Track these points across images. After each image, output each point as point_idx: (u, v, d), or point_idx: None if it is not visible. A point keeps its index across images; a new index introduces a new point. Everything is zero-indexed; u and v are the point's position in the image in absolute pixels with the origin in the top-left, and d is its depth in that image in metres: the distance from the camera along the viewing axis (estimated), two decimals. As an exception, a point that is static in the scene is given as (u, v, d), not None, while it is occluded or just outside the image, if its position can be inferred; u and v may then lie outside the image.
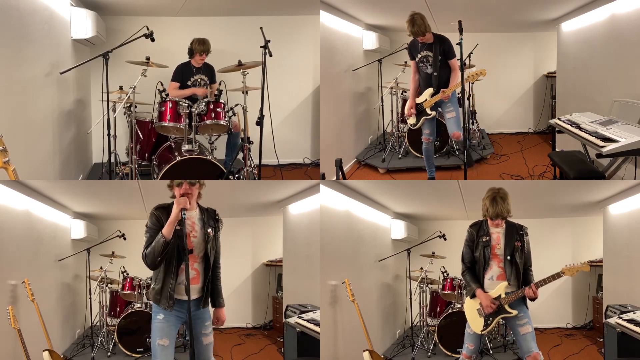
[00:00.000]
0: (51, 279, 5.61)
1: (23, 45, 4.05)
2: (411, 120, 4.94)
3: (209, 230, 3.24)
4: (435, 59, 4.64)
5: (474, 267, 3.63)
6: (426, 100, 4.77)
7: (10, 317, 4.16)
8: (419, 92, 4.85)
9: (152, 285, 3.20)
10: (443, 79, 4.66)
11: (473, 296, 3.63)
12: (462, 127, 4.66)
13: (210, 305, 3.33)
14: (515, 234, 3.57)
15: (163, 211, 3.16)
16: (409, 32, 4.61)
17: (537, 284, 3.49)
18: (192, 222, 3.22)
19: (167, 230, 3.07)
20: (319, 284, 4.84)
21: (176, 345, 5.66)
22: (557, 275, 3.50)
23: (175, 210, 3.07)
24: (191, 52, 5.42)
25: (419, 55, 4.75)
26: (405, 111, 4.95)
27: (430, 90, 4.74)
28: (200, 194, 3.26)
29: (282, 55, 5.50)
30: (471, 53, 6.55)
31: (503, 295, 3.52)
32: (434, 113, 4.81)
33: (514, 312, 3.51)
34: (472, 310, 3.65)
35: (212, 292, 3.35)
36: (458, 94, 4.75)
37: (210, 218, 3.29)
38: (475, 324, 3.63)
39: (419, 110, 4.84)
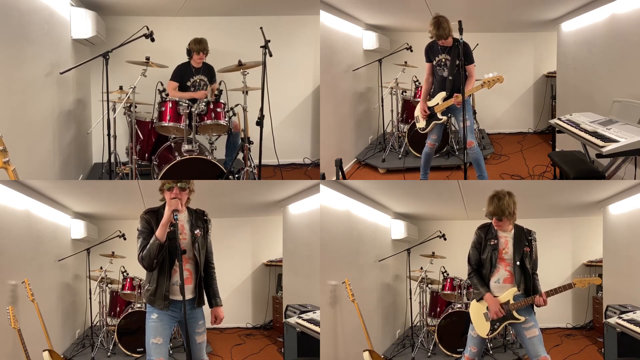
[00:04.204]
0: (51, 279, 5.61)
1: (23, 45, 4.05)
2: (420, 124, 4.82)
3: (196, 231, 3.27)
4: (453, 63, 4.56)
5: (481, 269, 3.60)
6: (438, 104, 4.66)
7: (10, 317, 4.16)
8: (431, 96, 4.76)
9: (146, 287, 3.23)
10: (457, 84, 4.51)
11: (480, 299, 3.58)
12: (475, 136, 4.67)
13: (202, 305, 3.34)
14: (524, 239, 3.54)
15: (153, 215, 3.20)
16: (431, 35, 4.51)
17: (548, 292, 3.47)
18: (181, 224, 3.24)
19: (160, 232, 3.11)
20: (319, 284, 4.84)
21: (175, 345, 5.70)
22: (569, 286, 3.51)
23: (167, 212, 3.11)
24: (189, 52, 5.41)
25: (437, 58, 4.65)
26: (416, 113, 4.85)
27: (442, 94, 4.64)
28: (189, 198, 3.28)
29: (282, 55, 5.50)
30: (471, 53, 6.55)
31: (512, 301, 3.50)
32: (444, 118, 4.71)
33: (522, 318, 3.47)
34: (478, 313, 3.61)
35: (208, 291, 3.38)
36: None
37: (199, 219, 3.32)
38: (481, 327, 3.59)
39: (430, 114, 4.73)
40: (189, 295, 3.22)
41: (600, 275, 6.12)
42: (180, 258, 3.12)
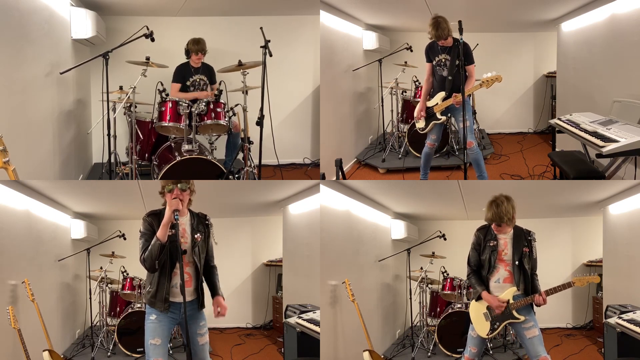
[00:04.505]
0: (51, 279, 5.61)
1: (23, 45, 4.05)
2: (420, 124, 4.83)
3: (197, 235, 3.26)
4: (453, 63, 4.56)
5: (480, 270, 3.61)
6: (437, 104, 4.67)
7: (10, 317, 4.16)
8: (430, 96, 4.77)
9: (147, 289, 3.23)
10: (457, 84, 4.52)
11: (479, 299, 3.59)
12: (474, 136, 4.66)
13: (203, 309, 3.33)
14: (523, 239, 3.54)
15: (155, 217, 3.20)
16: (430, 36, 4.53)
17: (548, 291, 3.47)
18: (183, 228, 3.24)
19: (161, 233, 3.11)
20: (319, 284, 4.84)
21: (176, 345, 5.70)
22: (568, 285, 3.51)
23: (168, 212, 3.11)
24: (187, 53, 5.42)
25: (437, 58, 4.66)
26: (415, 114, 4.85)
27: (442, 94, 4.65)
28: (191, 200, 3.28)
29: (282, 55, 5.51)
30: (471, 53, 6.54)
31: (511, 301, 3.50)
32: (444, 118, 4.71)
33: (522, 317, 3.48)
34: (478, 313, 3.62)
35: (210, 285, 3.39)
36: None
37: (200, 223, 3.31)
38: (480, 327, 3.60)
39: (429, 114, 4.74)
40: (188, 298, 3.21)
41: (601, 275, 6.12)
42: (180, 258, 3.12)
